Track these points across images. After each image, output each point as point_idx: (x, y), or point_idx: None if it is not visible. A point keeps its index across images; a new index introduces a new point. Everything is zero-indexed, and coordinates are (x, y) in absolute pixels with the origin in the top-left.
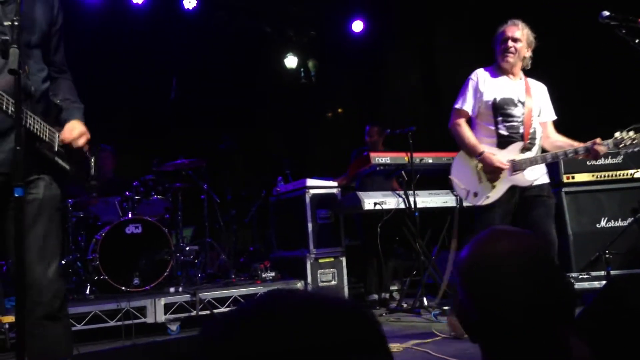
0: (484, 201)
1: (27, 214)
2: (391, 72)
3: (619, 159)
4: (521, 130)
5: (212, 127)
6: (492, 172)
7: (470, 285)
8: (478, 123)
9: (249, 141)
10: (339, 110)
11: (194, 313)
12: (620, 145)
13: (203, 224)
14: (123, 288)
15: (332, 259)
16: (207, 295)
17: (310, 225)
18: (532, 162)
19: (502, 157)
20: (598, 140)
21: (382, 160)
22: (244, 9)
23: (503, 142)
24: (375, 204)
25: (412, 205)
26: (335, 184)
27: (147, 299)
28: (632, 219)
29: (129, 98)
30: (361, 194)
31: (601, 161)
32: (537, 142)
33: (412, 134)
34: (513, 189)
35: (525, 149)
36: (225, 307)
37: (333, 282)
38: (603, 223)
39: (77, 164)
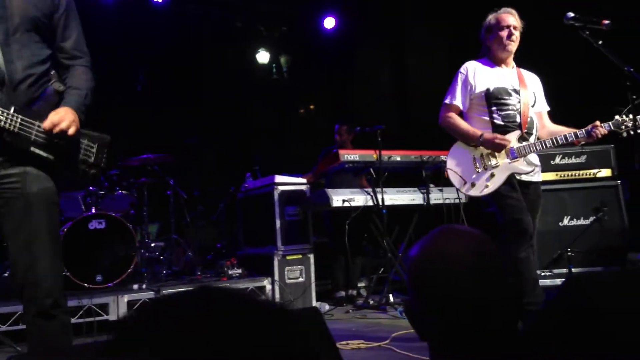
0: (482, 191)
1: (16, 210)
2: (362, 69)
3: (583, 159)
4: (518, 120)
5: (180, 122)
6: (496, 148)
7: (418, 285)
8: (471, 116)
9: (218, 136)
10: (311, 106)
11: None
12: (622, 127)
13: (169, 220)
14: (85, 285)
15: (300, 256)
16: (172, 292)
17: (278, 222)
18: (532, 148)
19: None
20: (598, 122)
21: (351, 157)
22: (215, 3)
23: (499, 132)
24: (343, 201)
25: (380, 203)
26: (304, 180)
27: (110, 296)
28: (594, 217)
29: (94, 90)
30: (330, 191)
31: (565, 161)
32: (534, 132)
33: (380, 132)
34: (511, 179)
35: (522, 138)
36: None
37: (300, 279)
38: (566, 221)
39: (64, 153)
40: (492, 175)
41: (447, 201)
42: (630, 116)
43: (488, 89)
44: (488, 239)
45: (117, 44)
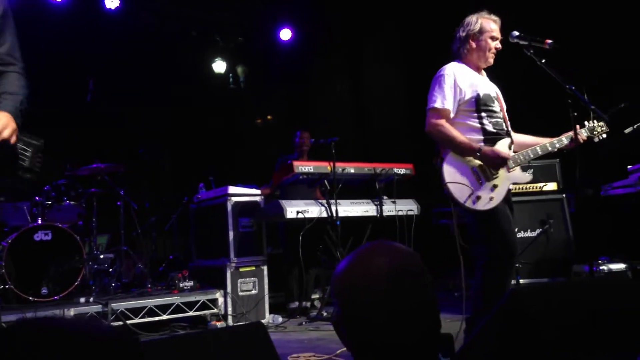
0: (488, 204)
1: None
2: (319, 81)
3: (530, 173)
4: (504, 127)
5: (132, 131)
6: (497, 165)
7: (339, 300)
8: (457, 122)
9: (172, 146)
10: (268, 117)
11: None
12: (595, 132)
13: (119, 232)
14: (30, 298)
15: (253, 268)
16: (120, 305)
17: (231, 234)
18: (525, 156)
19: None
20: (578, 126)
21: (305, 169)
22: (169, 11)
23: (490, 140)
24: (297, 212)
25: (334, 214)
26: (258, 191)
27: (55, 309)
28: (540, 230)
29: (42, 98)
30: (284, 203)
31: None
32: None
33: (334, 144)
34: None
35: (511, 145)
36: (140, 318)
37: (254, 291)
38: None
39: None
40: (495, 186)
41: (400, 213)
42: (597, 122)
43: (478, 94)
44: (413, 258)
45: (67, 52)
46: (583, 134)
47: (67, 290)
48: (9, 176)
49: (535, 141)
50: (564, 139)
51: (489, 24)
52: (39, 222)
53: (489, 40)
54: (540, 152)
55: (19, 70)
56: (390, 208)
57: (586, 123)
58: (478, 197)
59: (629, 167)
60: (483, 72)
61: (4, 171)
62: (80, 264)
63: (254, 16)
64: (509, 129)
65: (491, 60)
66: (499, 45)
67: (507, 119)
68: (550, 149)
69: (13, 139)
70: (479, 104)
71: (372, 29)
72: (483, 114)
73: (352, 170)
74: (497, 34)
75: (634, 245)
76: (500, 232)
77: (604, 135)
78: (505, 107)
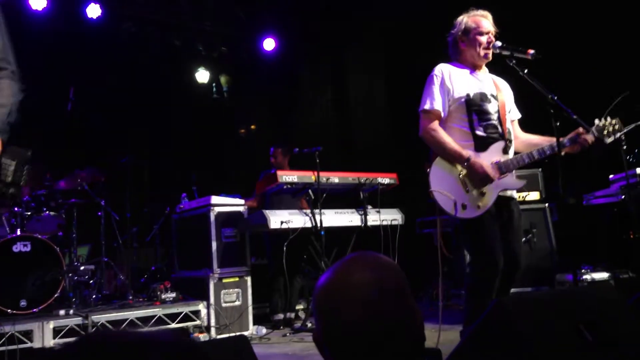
0: (474, 212)
1: None
2: (303, 90)
3: None
4: (499, 129)
5: (114, 141)
6: (480, 182)
7: (319, 313)
8: (449, 126)
9: (154, 156)
10: (252, 126)
11: None
12: (604, 132)
13: (100, 242)
14: (8, 310)
15: (236, 279)
16: (101, 317)
17: (214, 244)
18: (519, 161)
19: (485, 159)
20: (581, 130)
21: (289, 178)
22: (152, 21)
23: (481, 145)
24: (281, 222)
25: (319, 224)
26: (242, 201)
27: (35, 322)
28: (524, 239)
29: (21, 107)
30: (267, 213)
31: None
32: (513, 142)
33: (318, 154)
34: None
35: (505, 150)
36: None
37: (237, 302)
38: None
39: None
40: (482, 194)
41: (385, 222)
42: (609, 119)
43: (468, 95)
44: (394, 271)
45: (48, 60)
46: (590, 137)
47: (46, 303)
48: None
49: (541, 142)
50: (565, 141)
51: (475, 20)
52: (18, 233)
53: (477, 37)
54: (537, 156)
55: (11, 75)
56: (375, 218)
57: (596, 121)
58: (464, 206)
59: (610, 176)
60: (484, 69)
61: None
62: (60, 276)
63: (237, 26)
64: (508, 130)
65: (486, 55)
66: (491, 38)
67: (506, 119)
68: (548, 152)
69: None
70: (469, 105)
71: (354, 39)
72: (474, 117)
73: (337, 180)
74: (485, 28)
75: (616, 254)
76: (483, 242)
77: (618, 134)
78: (509, 103)
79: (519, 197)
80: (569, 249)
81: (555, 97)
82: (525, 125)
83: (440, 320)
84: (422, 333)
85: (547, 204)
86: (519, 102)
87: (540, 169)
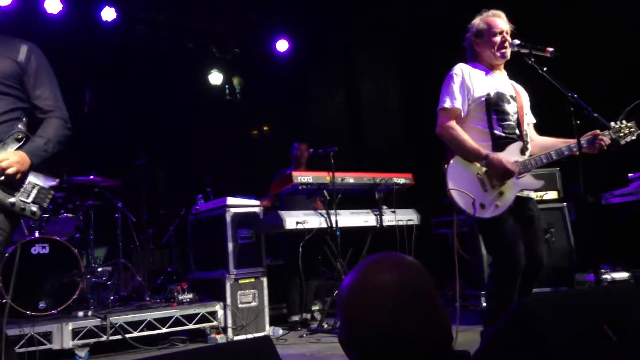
0: (493, 212)
1: None
2: (316, 91)
3: None
4: (517, 130)
5: (129, 143)
6: (501, 177)
7: (344, 315)
8: (467, 126)
9: (169, 158)
10: (265, 127)
11: (104, 338)
12: (620, 134)
13: (117, 244)
14: (28, 312)
15: (252, 280)
16: (119, 319)
17: (230, 245)
18: (537, 161)
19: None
20: (598, 131)
21: (304, 179)
22: (166, 23)
23: (499, 145)
24: (297, 223)
25: (334, 225)
26: (257, 202)
27: (54, 323)
28: None
29: (66, 138)
30: (283, 213)
31: None
32: (529, 145)
33: (333, 154)
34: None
35: (523, 151)
36: (138, 332)
37: (253, 303)
38: None
39: (4, 189)
40: (501, 193)
41: (400, 223)
42: (624, 122)
43: (488, 94)
44: (419, 271)
45: (64, 64)
46: (606, 138)
47: (65, 304)
48: (9, 208)
49: (556, 145)
50: (583, 143)
51: (487, 21)
52: (36, 235)
53: (492, 38)
54: (555, 157)
55: (58, 116)
56: (390, 218)
57: (612, 124)
58: (482, 205)
59: (629, 175)
60: (501, 70)
61: (4, 203)
62: (78, 277)
63: (250, 28)
64: (525, 131)
65: (505, 54)
66: (506, 37)
67: (524, 121)
68: (566, 153)
69: (10, 171)
70: (489, 105)
71: (366, 39)
72: (493, 116)
73: (352, 180)
74: (499, 28)
75: (636, 254)
76: (503, 241)
77: (634, 137)
78: (526, 107)
79: (537, 196)
80: (588, 249)
81: (575, 96)
82: (539, 128)
83: (458, 321)
84: (450, 333)
85: (565, 203)
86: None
87: (558, 168)
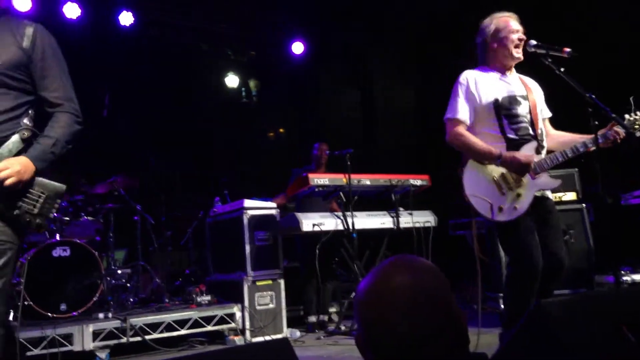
0: (512, 214)
1: None
2: (330, 92)
3: None
4: (531, 130)
5: (147, 146)
6: (519, 171)
7: (360, 318)
8: (479, 132)
9: (186, 161)
10: (280, 130)
11: (124, 340)
12: (635, 126)
13: (136, 246)
14: (49, 314)
15: (270, 282)
16: (139, 321)
17: (247, 247)
18: (553, 160)
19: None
20: (613, 123)
21: (320, 181)
22: (182, 27)
23: (513, 147)
24: (313, 225)
25: (350, 227)
26: (274, 204)
27: (74, 325)
28: None
29: (75, 135)
30: (300, 215)
31: None
32: (545, 142)
33: (349, 156)
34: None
35: (538, 150)
36: (158, 333)
37: (271, 305)
38: None
39: (5, 200)
40: (519, 195)
41: (417, 225)
42: (638, 114)
43: (496, 99)
44: (435, 274)
45: (83, 68)
46: (621, 131)
47: (85, 306)
48: (13, 219)
49: (573, 140)
50: (598, 138)
51: (503, 21)
52: (57, 238)
53: (509, 35)
54: (570, 154)
55: (68, 109)
56: (407, 220)
57: (626, 116)
58: (500, 208)
59: None
60: (513, 71)
61: (8, 214)
62: (98, 280)
63: (266, 30)
64: (539, 130)
65: (518, 54)
66: (522, 36)
67: (538, 119)
68: (581, 149)
69: (8, 182)
70: (499, 109)
71: (380, 40)
72: (504, 120)
73: (368, 182)
74: (514, 27)
75: None
76: (521, 243)
77: None
78: (539, 102)
79: (555, 197)
80: (607, 250)
81: (593, 96)
82: (555, 123)
83: (480, 323)
84: (466, 335)
85: (584, 204)
86: (548, 101)
87: (576, 169)
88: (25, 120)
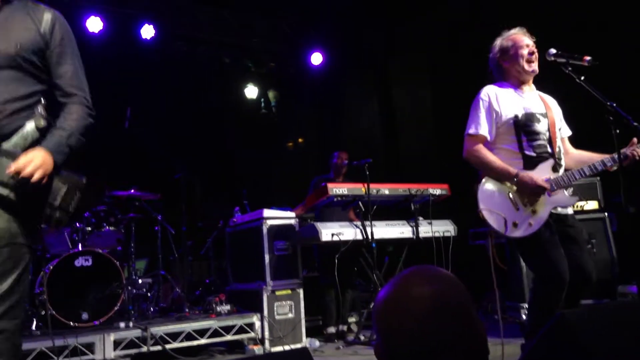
0: (526, 230)
1: None
2: (350, 103)
3: (570, 192)
4: (549, 149)
5: (168, 157)
6: (532, 194)
7: (379, 328)
8: (497, 148)
9: (207, 171)
10: (300, 140)
11: (145, 349)
12: None
13: (157, 256)
14: (71, 323)
15: (289, 291)
16: (159, 330)
17: (267, 257)
18: (570, 178)
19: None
20: (635, 140)
21: (339, 191)
22: (203, 39)
23: (531, 164)
24: (332, 235)
25: (370, 236)
26: (293, 214)
27: (96, 334)
28: None
29: (88, 128)
30: (319, 225)
31: None
32: (563, 160)
33: (368, 166)
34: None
35: (555, 168)
36: (178, 343)
37: (290, 315)
38: None
39: (28, 194)
40: (534, 212)
41: (437, 234)
42: None
43: (516, 116)
44: (455, 284)
45: (105, 81)
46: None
47: (107, 315)
48: (35, 213)
49: (591, 159)
50: (617, 157)
51: (511, 39)
52: (80, 248)
53: (519, 51)
54: (588, 172)
55: (81, 100)
56: (427, 229)
57: None
58: (515, 224)
59: None
60: (531, 86)
61: (30, 208)
62: (119, 289)
63: (285, 42)
64: (557, 149)
65: (533, 68)
66: (534, 49)
67: (556, 137)
68: (600, 168)
69: (36, 177)
70: (518, 126)
71: (399, 49)
72: (523, 137)
73: (387, 192)
74: (524, 42)
75: None
76: (543, 257)
77: None
78: (558, 121)
79: (577, 206)
80: (630, 260)
81: (614, 104)
82: (576, 138)
83: (502, 334)
84: (486, 347)
85: (606, 214)
86: (568, 112)
87: (598, 178)
88: (40, 109)
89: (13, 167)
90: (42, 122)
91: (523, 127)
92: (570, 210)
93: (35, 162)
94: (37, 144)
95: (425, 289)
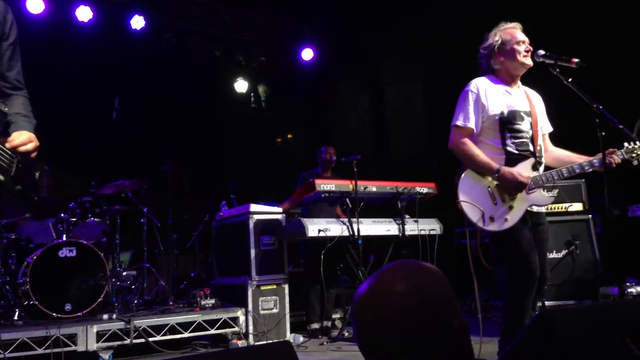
0: (501, 225)
1: None
2: (340, 99)
3: (555, 193)
4: (531, 147)
5: (155, 150)
6: (512, 190)
7: (360, 329)
8: (481, 141)
9: (194, 164)
10: (289, 135)
11: (127, 341)
12: (633, 155)
13: (142, 249)
14: (54, 314)
15: (274, 286)
16: (143, 322)
17: (253, 252)
18: (549, 178)
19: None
20: (612, 149)
21: (327, 187)
22: (193, 31)
23: (512, 160)
24: (319, 230)
25: (356, 233)
26: (280, 209)
27: (79, 325)
28: (566, 251)
29: (68, 115)
30: (305, 221)
31: None
32: (543, 158)
33: (356, 162)
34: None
35: (535, 166)
36: (161, 336)
37: (275, 310)
38: None
39: (16, 175)
40: (511, 207)
41: (422, 232)
42: (638, 143)
43: (502, 113)
44: (437, 279)
45: (94, 70)
46: (617, 157)
47: (90, 307)
48: (22, 194)
49: (570, 160)
50: (595, 162)
51: (509, 32)
52: (64, 238)
53: (516, 46)
54: (566, 174)
55: (26, 95)
56: (413, 227)
57: (625, 144)
58: (491, 218)
59: None
60: (519, 84)
61: (17, 188)
62: (103, 281)
63: (276, 36)
64: (538, 147)
65: (527, 62)
66: (529, 47)
67: (538, 136)
68: (577, 171)
69: (34, 154)
70: (503, 123)
71: (391, 47)
72: (507, 134)
73: (374, 189)
74: (521, 37)
75: None
76: (517, 252)
77: None
78: (540, 118)
79: (561, 207)
80: (613, 262)
81: (601, 107)
82: (560, 139)
83: (481, 332)
84: (467, 343)
85: (590, 215)
86: (554, 112)
87: (583, 180)
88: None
89: (17, 141)
90: (6, 108)
91: (507, 124)
92: (542, 209)
93: (34, 142)
94: (4, 127)
95: (405, 283)
